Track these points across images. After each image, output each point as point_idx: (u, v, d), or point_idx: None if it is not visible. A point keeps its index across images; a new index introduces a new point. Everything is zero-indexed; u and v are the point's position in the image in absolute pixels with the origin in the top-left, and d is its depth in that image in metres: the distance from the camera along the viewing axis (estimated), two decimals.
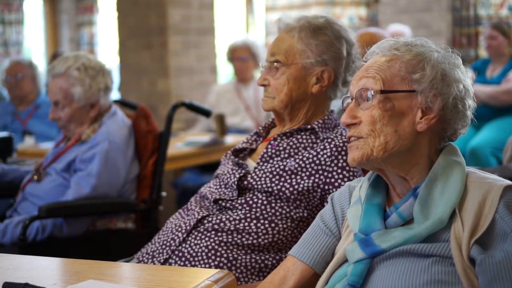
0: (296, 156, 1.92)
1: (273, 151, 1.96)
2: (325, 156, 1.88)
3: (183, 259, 1.86)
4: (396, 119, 1.42)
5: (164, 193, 2.96)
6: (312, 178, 1.87)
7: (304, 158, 1.90)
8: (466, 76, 1.46)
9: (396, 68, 1.44)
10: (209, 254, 1.85)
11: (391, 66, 1.45)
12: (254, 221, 1.87)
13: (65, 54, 2.85)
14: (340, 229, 1.56)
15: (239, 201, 1.91)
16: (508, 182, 1.37)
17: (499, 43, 4.86)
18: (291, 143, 1.96)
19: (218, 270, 1.42)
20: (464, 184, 1.39)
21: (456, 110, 1.43)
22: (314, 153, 1.89)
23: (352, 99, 1.47)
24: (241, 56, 5.13)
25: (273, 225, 1.86)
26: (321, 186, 1.86)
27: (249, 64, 5.14)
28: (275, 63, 1.99)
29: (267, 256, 1.86)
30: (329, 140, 1.91)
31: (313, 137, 1.97)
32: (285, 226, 1.87)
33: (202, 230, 1.89)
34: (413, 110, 1.42)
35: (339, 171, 1.86)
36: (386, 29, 5.33)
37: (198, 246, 1.87)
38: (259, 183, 1.90)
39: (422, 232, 1.37)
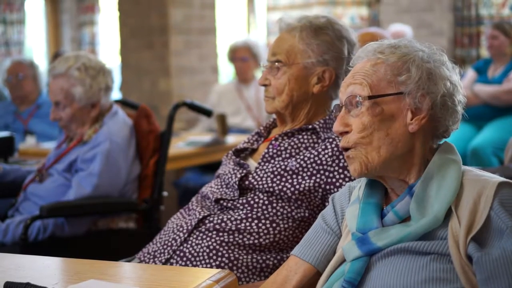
0: (297, 156, 1.92)
1: (274, 151, 1.96)
2: (326, 156, 1.88)
3: (184, 259, 1.86)
4: (387, 123, 1.42)
5: (165, 193, 2.96)
6: (313, 178, 1.86)
7: (305, 158, 1.89)
8: (453, 72, 1.46)
9: (382, 72, 1.44)
10: (211, 254, 1.85)
11: (376, 71, 1.45)
12: (256, 221, 1.87)
13: (65, 54, 2.86)
14: (341, 228, 1.57)
15: (240, 201, 1.91)
16: (502, 178, 1.37)
17: (501, 42, 4.86)
18: (292, 143, 1.96)
19: (219, 270, 1.42)
20: (460, 182, 1.39)
21: (446, 107, 1.44)
22: (315, 153, 1.89)
23: (342, 107, 1.47)
24: (242, 56, 5.14)
25: (274, 225, 1.86)
26: (322, 186, 1.86)
27: (250, 64, 5.14)
28: (276, 63, 1.99)
29: (268, 256, 1.86)
30: (330, 140, 1.91)
31: (314, 137, 1.97)
32: (286, 226, 1.87)
33: (203, 230, 1.89)
34: (402, 112, 1.42)
35: (340, 171, 1.86)
36: (388, 29, 5.33)
37: (199, 246, 1.87)
38: (260, 183, 1.90)
39: (418, 230, 1.37)
